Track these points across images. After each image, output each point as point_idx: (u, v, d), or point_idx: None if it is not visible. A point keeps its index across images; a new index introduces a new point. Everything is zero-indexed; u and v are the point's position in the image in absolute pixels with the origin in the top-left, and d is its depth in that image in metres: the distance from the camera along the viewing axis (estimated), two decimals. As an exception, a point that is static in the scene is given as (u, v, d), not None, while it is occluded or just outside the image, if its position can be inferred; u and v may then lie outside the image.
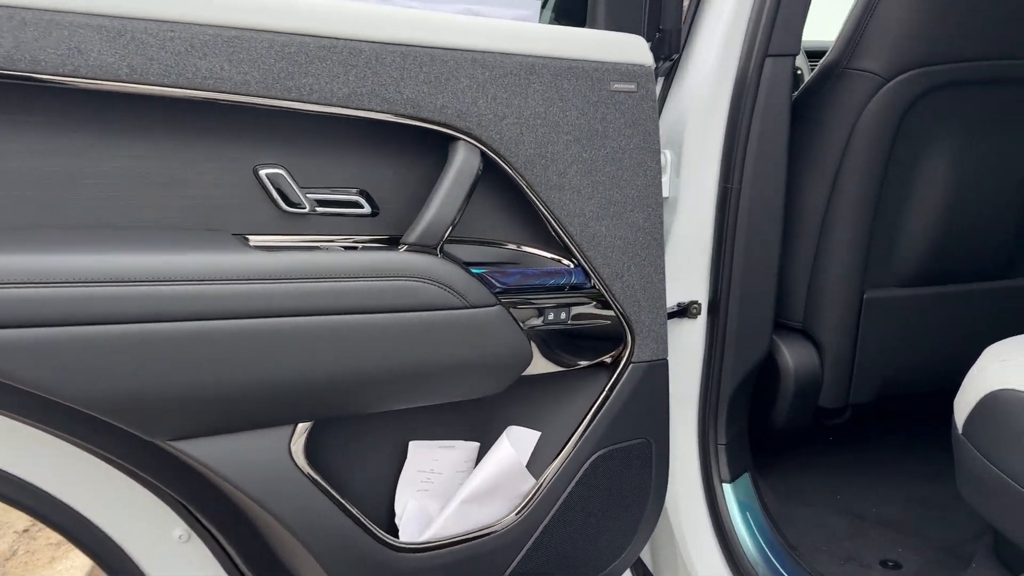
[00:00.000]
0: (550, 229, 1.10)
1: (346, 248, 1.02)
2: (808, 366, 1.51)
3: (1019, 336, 1.19)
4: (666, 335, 1.21)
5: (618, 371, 1.19)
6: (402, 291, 0.99)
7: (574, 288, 1.13)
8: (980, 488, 1.13)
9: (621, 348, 1.19)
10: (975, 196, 1.43)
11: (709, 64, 1.29)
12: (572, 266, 1.13)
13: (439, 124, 1.00)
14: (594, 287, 1.14)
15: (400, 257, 1.00)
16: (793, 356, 1.51)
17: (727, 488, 1.47)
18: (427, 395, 1.05)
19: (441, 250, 1.03)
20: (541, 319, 1.11)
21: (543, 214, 1.08)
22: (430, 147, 1.04)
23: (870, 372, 1.52)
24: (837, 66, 1.40)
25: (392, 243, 1.04)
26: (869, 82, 1.37)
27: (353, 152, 1.01)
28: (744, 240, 1.36)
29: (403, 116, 0.98)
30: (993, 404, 1.09)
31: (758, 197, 1.35)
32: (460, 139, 1.02)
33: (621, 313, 1.16)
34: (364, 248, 1.03)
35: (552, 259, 1.13)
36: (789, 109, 1.34)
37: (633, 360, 1.19)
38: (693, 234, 1.33)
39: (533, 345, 1.11)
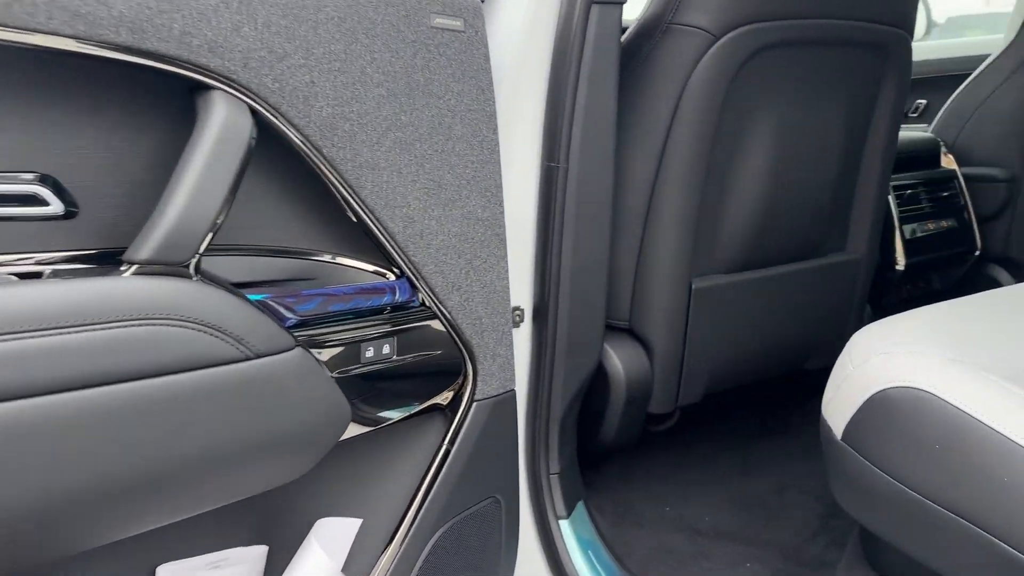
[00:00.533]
0: (361, 227, 0.75)
1: (21, 277, 0.59)
2: (639, 370, 1.32)
3: (882, 322, 1.08)
4: (513, 358, 0.92)
5: (459, 415, 0.87)
6: (133, 344, 0.58)
7: (398, 308, 0.79)
8: (866, 497, 1.00)
9: (460, 383, 0.87)
10: (797, 169, 1.33)
11: (522, 9, 1.02)
12: (393, 278, 0.79)
13: (178, 63, 0.61)
14: (423, 304, 0.81)
15: (124, 286, 0.59)
16: (623, 360, 1.31)
17: (563, 525, 1.22)
18: (192, 502, 0.66)
19: (197, 269, 0.63)
20: (358, 358, 0.76)
21: (351, 205, 0.73)
22: (165, 103, 0.64)
23: (698, 369, 1.37)
24: (660, 21, 1.21)
25: (105, 261, 0.63)
26: (697, 40, 1.19)
27: (23, 112, 0.59)
28: (573, 231, 1.11)
29: (112, 48, 0.57)
30: (883, 404, 0.96)
31: (587, 178, 1.11)
32: (216, 88, 0.63)
33: (459, 337, 0.85)
34: (55, 274, 0.61)
35: (366, 270, 0.78)
36: (618, 70, 1.11)
37: (477, 397, 0.88)
38: (512, 225, 1.05)
39: (348, 397, 0.76)
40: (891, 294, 1.67)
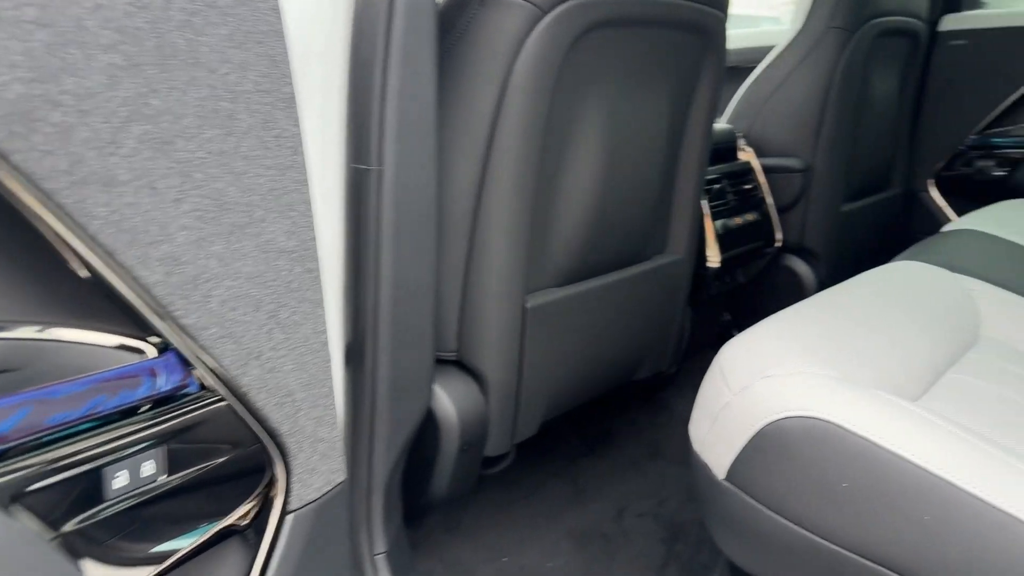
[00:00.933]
0: (93, 279, 0.46)
1: None
2: (473, 409, 1.11)
3: (745, 337, 0.96)
4: (340, 440, 0.66)
5: (267, 535, 0.60)
6: None
7: (164, 401, 0.51)
8: (758, 544, 0.87)
9: (267, 489, 0.60)
10: (627, 165, 1.19)
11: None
12: (154, 354, 0.51)
13: None
14: (204, 388, 0.54)
15: None
16: (455, 399, 1.09)
17: (393, 614, 0.99)
18: None
19: None
20: (99, 495, 0.47)
21: (71, 245, 0.44)
22: None
23: (535, 398, 1.19)
24: (476, -12, 1.00)
25: None
26: (522, 14, 1.00)
27: None
28: (392, 249, 0.87)
29: None
30: (776, 437, 0.83)
31: (407, 183, 0.87)
32: None
33: (262, 425, 0.58)
34: None
35: (105, 347, 0.49)
36: (436, 48, 0.88)
37: (292, 507, 0.62)
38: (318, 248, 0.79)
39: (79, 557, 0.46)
40: (703, 292, 1.60)
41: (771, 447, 0.83)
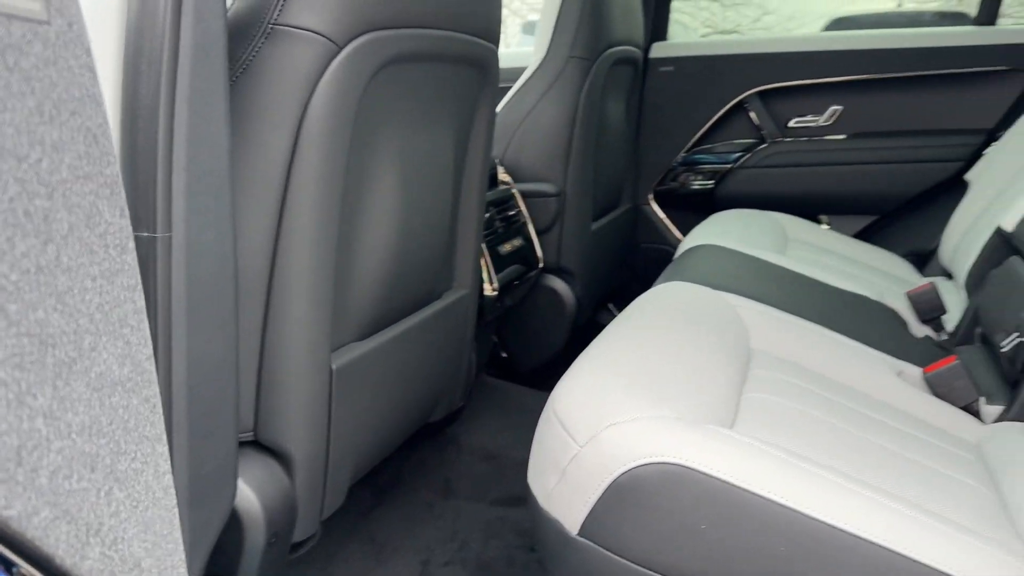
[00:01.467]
0: None
1: None
2: (278, 495, 0.96)
3: (572, 378, 0.94)
4: None
5: None
6: None
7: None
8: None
9: None
10: (422, 204, 1.12)
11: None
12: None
13: None
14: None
15: None
16: (257, 488, 0.93)
17: None
18: None
19: None
20: None
21: None
22: None
23: (343, 467, 1.07)
24: (260, 19, 0.86)
25: None
26: (316, 49, 0.88)
27: None
28: (186, 325, 0.73)
29: None
30: (632, 486, 0.82)
31: (200, 249, 0.73)
32: None
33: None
34: None
35: None
36: (227, 87, 0.75)
37: None
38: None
39: None
40: (481, 321, 1.59)
41: (627, 497, 0.82)
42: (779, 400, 1.01)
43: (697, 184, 2.39)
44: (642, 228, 2.46)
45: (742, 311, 1.29)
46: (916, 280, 1.95)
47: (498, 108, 1.87)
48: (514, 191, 1.77)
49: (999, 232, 1.49)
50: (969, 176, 1.99)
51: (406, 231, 1.10)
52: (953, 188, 2.12)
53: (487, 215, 1.61)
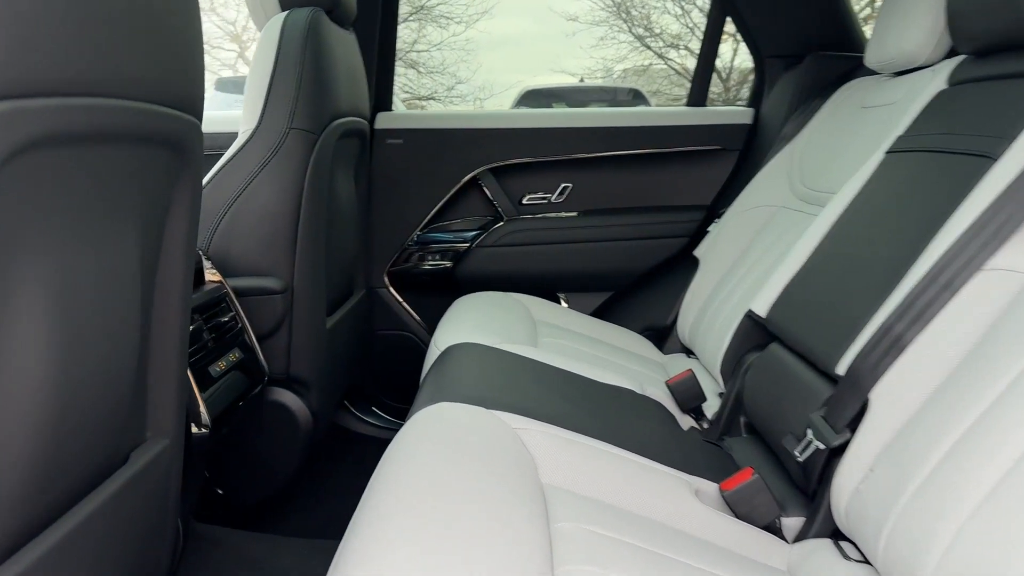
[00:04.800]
0: None
1: None
2: None
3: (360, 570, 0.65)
4: None
5: None
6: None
7: None
8: None
9: None
10: (95, 341, 0.75)
11: None
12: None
13: None
14: None
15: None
16: None
17: None
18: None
19: None
20: None
21: None
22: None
23: None
24: None
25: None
26: None
27: None
28: None
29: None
30: None
31: None
32: None
33: None
34: None
35: None
36: None
37: None
38: None
39: None
40: (188, 464, 1.23)
41: None
42: (597, 571, 0.81)
43: (434, 264, 2.20)
44: (378, 313, 2.21)
45: (525, 435, 1.10)
46: (659, 359, 1.93)
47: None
48: (227, 290, 1.43)
49: (750, 316, 1.47)
50: (698, 253, 2.02)
51: (70, 381, 0.74)
52: (681, 263, 2.16)
53: (192, 327, 1.26)
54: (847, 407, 1.04)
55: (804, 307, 1.31)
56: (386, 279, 2.21)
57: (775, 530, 1.10)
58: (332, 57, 1.57)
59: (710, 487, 1.14)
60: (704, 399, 1.55)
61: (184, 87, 0.89)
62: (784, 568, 1.02)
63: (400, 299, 2.22)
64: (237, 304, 1.44)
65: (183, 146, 0.92)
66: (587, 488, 1.05)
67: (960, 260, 0.97)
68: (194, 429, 1.21)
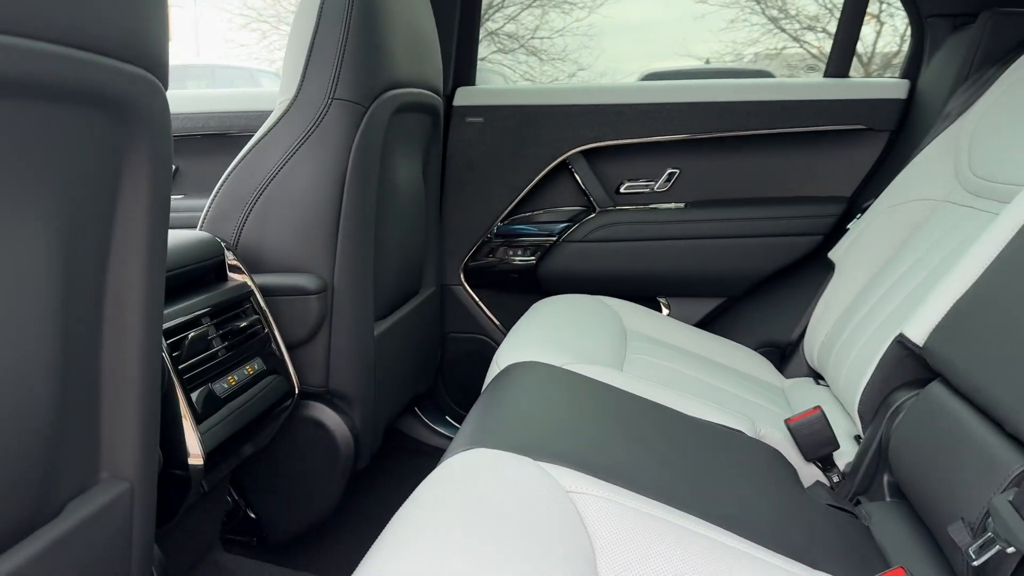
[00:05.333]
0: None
1: None
2: None
3: None
4: None
5: None
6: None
7: None
8: None
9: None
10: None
11: None
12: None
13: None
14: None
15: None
16: None
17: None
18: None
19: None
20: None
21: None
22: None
23: None
24: None
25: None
26: None
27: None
28: None
29: None
30: None
31: None
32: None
33: None
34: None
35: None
36: None
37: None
38: None
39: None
40: (183, 504, 1.02)
41: None
42: None
43: (515, 260, 1.94)
44: (450, 314, 1.97)
45: (581, 501, 0.82)
46: (779, 383, 1.59)
47: (227, 172, 1.31)
48: (252, 288, 1.21)
49: (902, 342, 1.12)
50: (833, 255, 1.66)
51: None
52: (812, 268, 1.80)
53: (194, 333, 1.05)
54: None
55: (981, 338, 0.95)
56: (461, 276, 1.96)
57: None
58: (388, 16, 1.33)
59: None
60: (836, 446, 1.21)
61: (133, 33, 0.67)
62: None
63: (476, 299, 1.97)
64: (264, 305, 1.22)
65: (129, 108, 0.69)
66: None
67: None
68: (190, 460, 1.00)
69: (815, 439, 1.21)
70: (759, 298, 1.89)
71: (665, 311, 1.94)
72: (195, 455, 0.99)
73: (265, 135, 1.28)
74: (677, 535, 0.81)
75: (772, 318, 1.82)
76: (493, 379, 1.18)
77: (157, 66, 0.71)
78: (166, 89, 0.74)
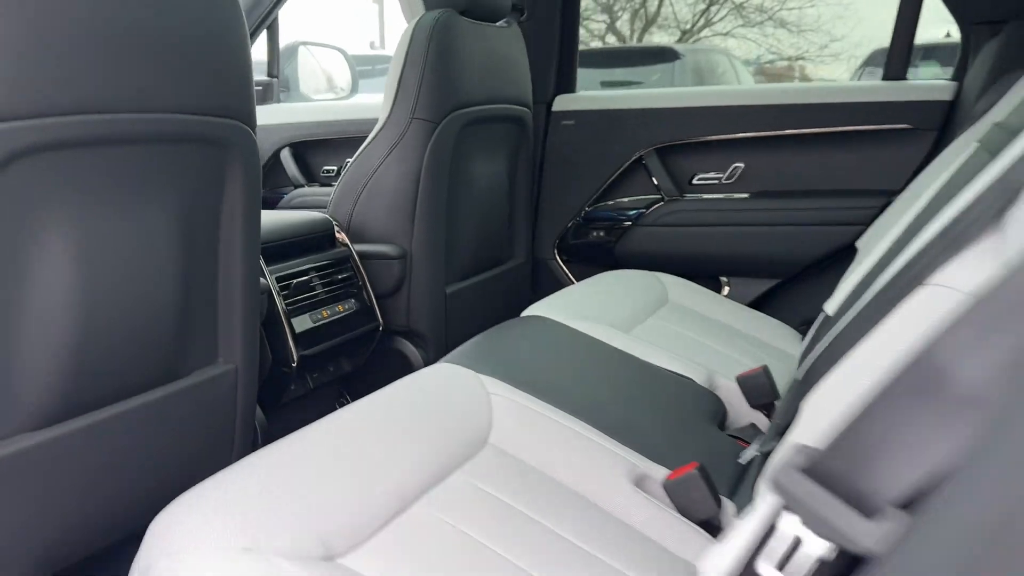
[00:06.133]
0: None
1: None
2: None
3: (170, 508, 0.87)
4: None
5: None
6: None
7: None
8: None
9: None
10: (120, 295, 1.09)
11: None
12: None
13: None
14: None
15: None
16: None
17: None
18: None
19: None
20: None
21: None
22: None
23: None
24: None
25: None
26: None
27: None
28: None
29: None
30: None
31: None
32: None
33: None
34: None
35: None
36: None
37: None
38: None
39: None
40: (288, 391, 1.55)
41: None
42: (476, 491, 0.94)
43: (597, 239, 2.31)
44: (544, 283, 2.39)
45: (496, 400, 1.22)
46: (796, 352, 1.83)
47: (346, 169, 1.84)
48: (351, 253, 1.73)
49: (824, 315, 1.38)
50: (859, 243, 1.85)
51: (94, 323, 1.06)
52: (851, 254, 1.99)
53: (301, 279, 1.58)
54: None
55: None
56: (555, 251, 2.37)
57: (713, 527, 1.09)
58: (462, 52, 1.77)
59: (660, 474, 1.15)
60: (777, 396, 1.48)
61: (228, 98, 1.16)
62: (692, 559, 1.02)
63: (566, 271, 2.36)
64: (359, 265, 1.74)
65: (227, 144, 1.19)
66: (529, 455, 1.14)
67: None
68: (291, 360, 1.54)
69: (757, 390, 1.49)
70: (807, 280, 2.10)
71: (726, 289, 2.21)
72: (293, 358, 1.53)
73: (370, 143, 1.79)
74: (558, 429, 1.18)
75: (814, 298, 2.03)
76: (504, 323, 1.59)
77: (244, 116, 1.22)
78: (253, 130, 1.24)
